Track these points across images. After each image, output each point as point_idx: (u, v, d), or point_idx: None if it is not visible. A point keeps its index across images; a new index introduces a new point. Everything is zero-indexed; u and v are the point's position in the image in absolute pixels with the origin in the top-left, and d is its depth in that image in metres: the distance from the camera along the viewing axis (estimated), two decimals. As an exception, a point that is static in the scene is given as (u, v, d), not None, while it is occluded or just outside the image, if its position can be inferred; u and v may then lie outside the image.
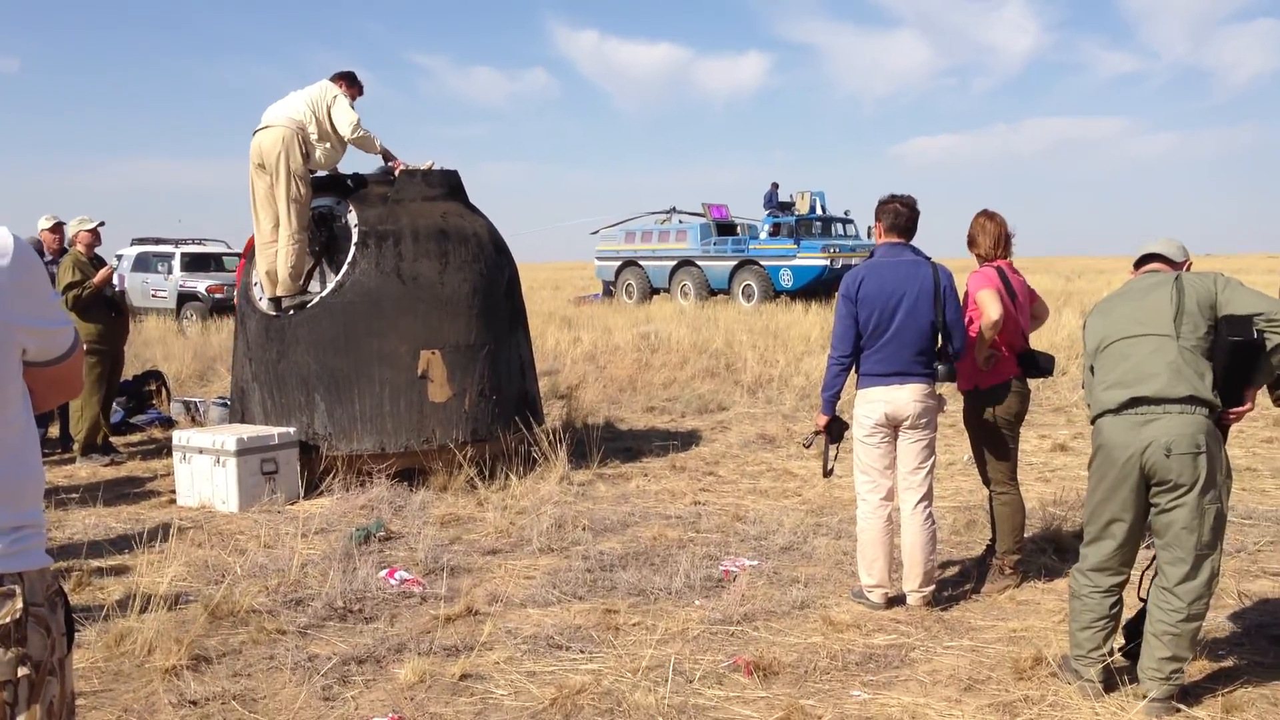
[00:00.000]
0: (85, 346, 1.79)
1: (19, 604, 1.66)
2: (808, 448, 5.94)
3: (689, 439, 9.72)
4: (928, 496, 5.18)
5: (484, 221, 8.42)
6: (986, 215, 5.55)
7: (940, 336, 5.12)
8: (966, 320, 5.34)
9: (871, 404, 5.10)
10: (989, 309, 5.18)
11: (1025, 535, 5.50)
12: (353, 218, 7.86)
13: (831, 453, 5.48)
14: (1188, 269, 4.14)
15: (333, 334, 7.55)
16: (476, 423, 7.73)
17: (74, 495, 7.43)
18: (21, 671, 1.65)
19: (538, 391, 8.83)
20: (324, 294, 7.67)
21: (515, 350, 8.28)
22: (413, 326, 7.59)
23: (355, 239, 7.74)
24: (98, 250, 8.85)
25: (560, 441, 7.95)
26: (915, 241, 5.24)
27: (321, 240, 8.02)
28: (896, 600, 5.17)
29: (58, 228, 9.00)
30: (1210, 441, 3.76)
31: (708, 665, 4.40)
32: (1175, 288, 3.90)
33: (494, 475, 7.56)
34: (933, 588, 5.17)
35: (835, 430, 5.39)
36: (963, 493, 7.51)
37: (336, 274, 7.74)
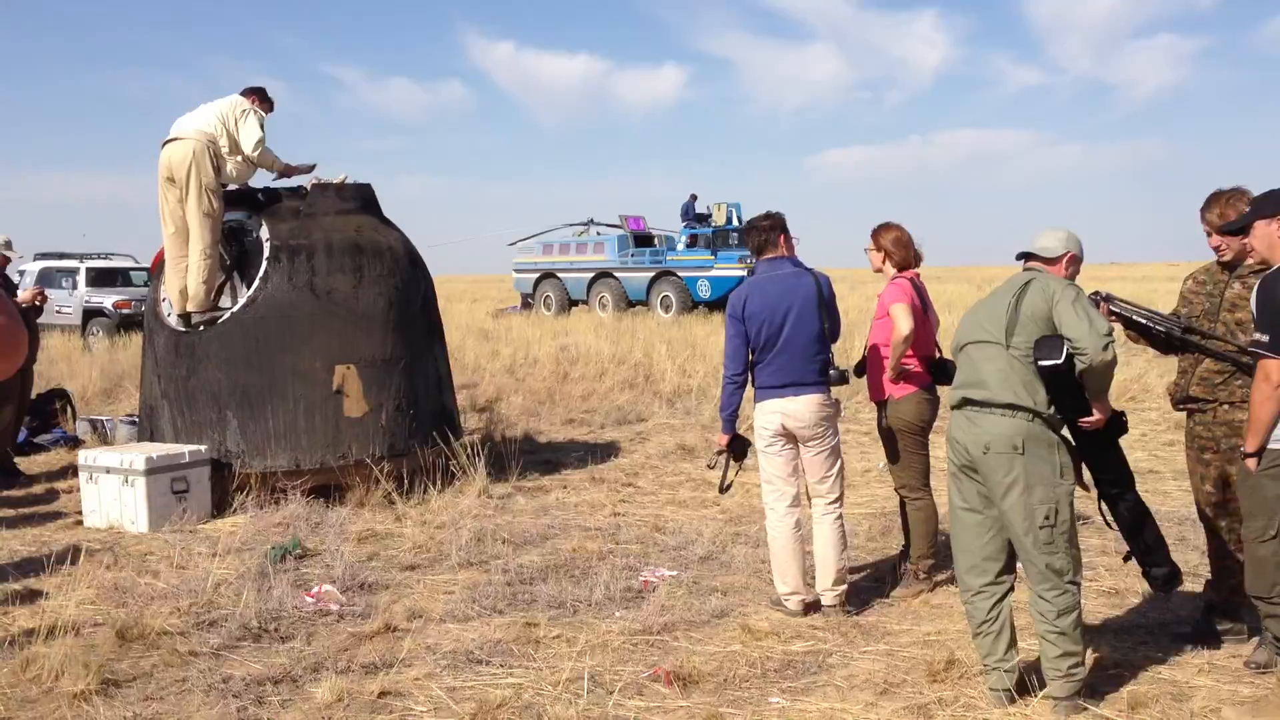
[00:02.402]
0: None
1: None
2: (711, 468, 5.95)
3: (608, 450, 9.74)
4: (837, 501, 5.29)
5: (399, 235, 8.37)
6: (895, 227, 5.64)
7: (827, 345, 5.27)
8: (880, 332, 5.49)
9: (769, 415, 5.19)
10: (900, 323, 5.29)
11: (938, 541, 5.62)
12: (264, 232, 7.76)
13: (732, 470, 5.55)
14: (1069, 261, 4.23)
15: (245, 350, 7.43)
16: (393, 437, 7.66)
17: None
18: None
19: (455, 405, 8.78)
20: (235, 309, 7.55)
21: (432, 364, 8.23)
22: (327, 341, 7.50)
23: (267, 253, 7.64)
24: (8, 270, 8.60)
25: (479, 455, 7.92)
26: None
27: (233, 255, 7.89)
28: (813, 606, 5.25)
29: None
30: (1033, 444, 3.92)
31: (628, 676, 4.42)
32: (1016, 296, 4.04)
33: (412, 490, 7.50)
34: (844, 587, 5.26)
35: (738, 448, 5.48)
36: (878, 499, 7.64)
37: (248, 289, 7.62)
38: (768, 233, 5.31)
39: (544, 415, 11.88)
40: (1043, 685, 4.04)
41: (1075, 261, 4.24)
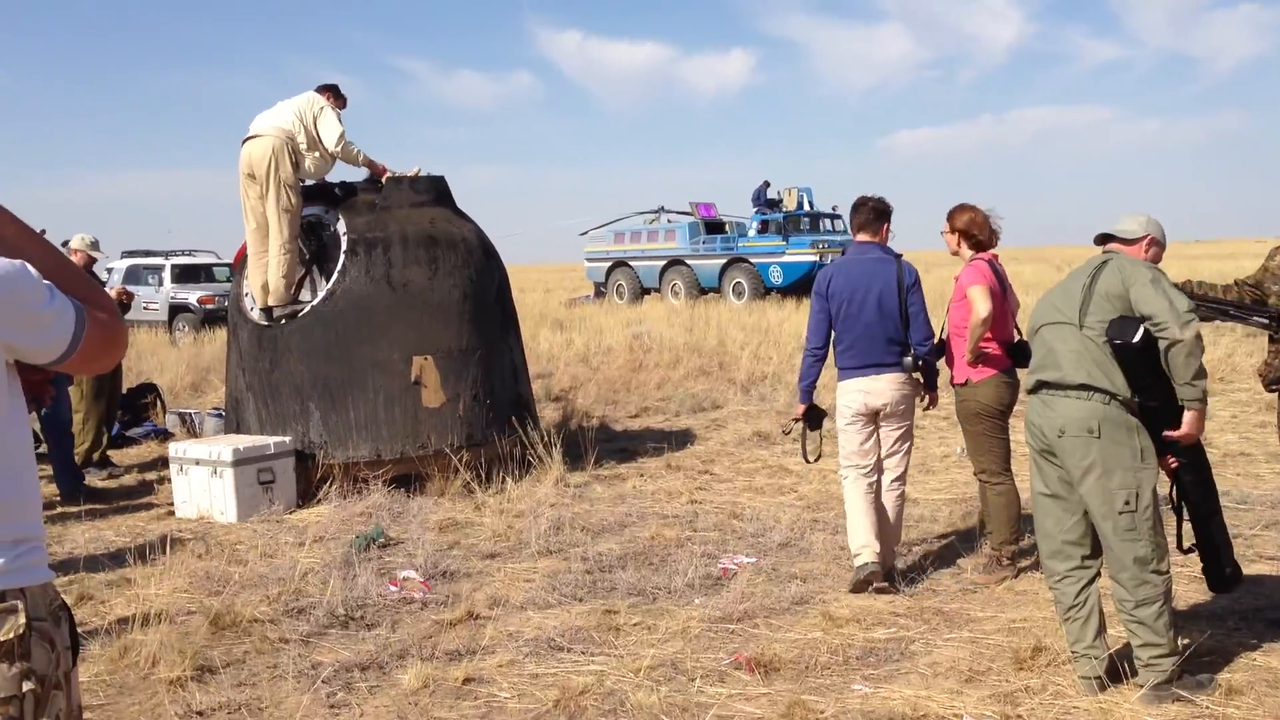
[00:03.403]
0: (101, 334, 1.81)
1: (21, 619, 1.67)
2: (787, 434, 6.38)
3: (684, 438, 9.75)
4: (901, 478, 5.55)
5: (472, 226, 8.44)
6: (971, 209, 5.58)
7: (905, 329, 5.41)
8: (958, 315, 5.47)
9: (850, 395, 5.42)
10: (978, 306, 5.24)
11: (1021, 526, 5.54)
12: (341, 226, 7.87)
13: (812, 439, 5.77)
14: (1149, 244, 4.13)
15: (325, 342, 7.56)
16: (471, 427, 7.74)
17: (73, 509, 7.43)
18: (26, 686, 1.66)
19: (531, 395, 8.85)
20: (315, 303, 7.68)
21: (508, 354, 8.30)
22: (404, 333, 7.60)
23: (345, 247, 7.75)
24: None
25: (555, 444, 7.97)
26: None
27: (311, 249, 8.03)
28: (886, 573, 5.33)
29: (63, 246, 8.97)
30: (1109, 427, 3.83)
31: (709, 663, 4.42)
32: (1091, 276, 3.95)
33: (490, 479, 7.58)
34: (891, 562, 5.50)
35: (813, 418, 5.70)
36: (958, 485, 7.54)
37: (327, 282, 7.75)
38: (871, 216, 5.53)
39: (619, 403, 11.93)
40: (1135, 672, 3.96)
41: (1155, 244, 4.14)
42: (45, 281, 1.75)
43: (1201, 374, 3.78)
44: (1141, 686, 3.88)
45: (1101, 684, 3.96)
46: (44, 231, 8.60)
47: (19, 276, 1.69)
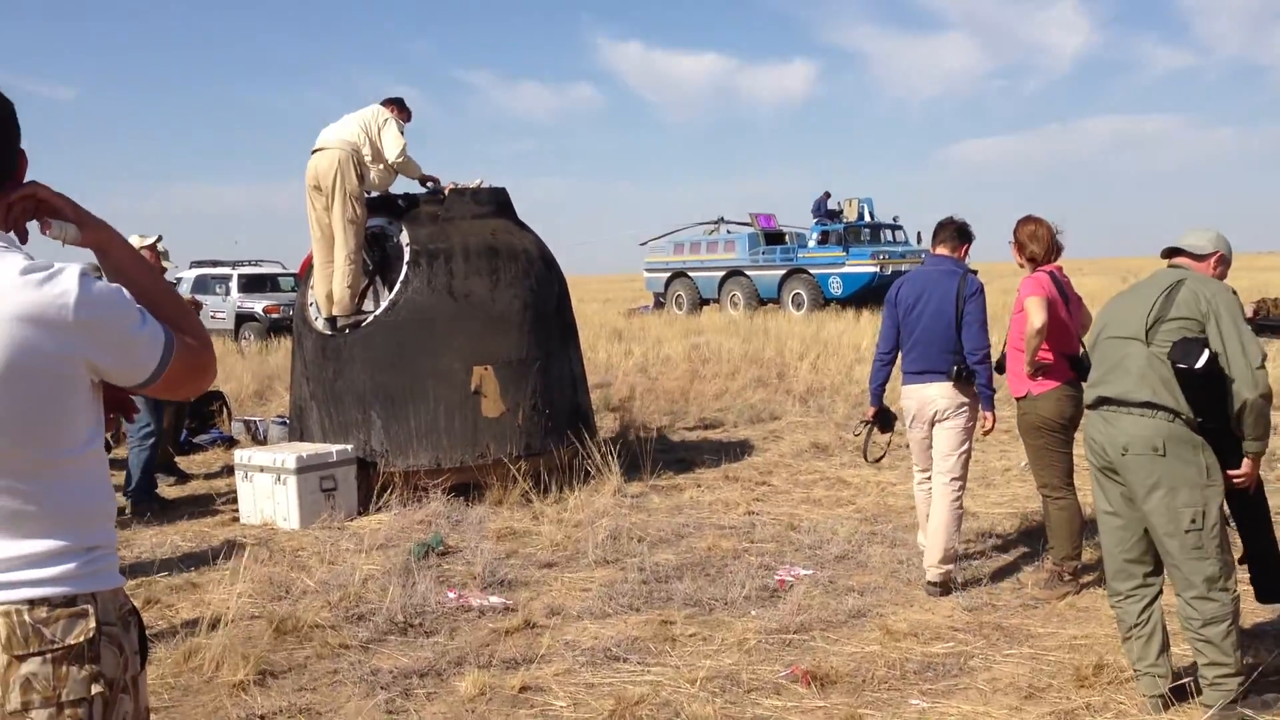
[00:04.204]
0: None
1: (92, 623, 1.72)
2: (856, 436, 6.84)
3: (742, 449, 9.73)
4: (956, 481, 5.57)
5: (533, 237, 8.52)
6: (1034, 221, 5.56)
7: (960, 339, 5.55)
8: (1017, 328, 5.45)
9: (907, 400, 5.71)
10: (1034, 317, 5.21)
11: (1083, 541, 5.47)
12: (404, 237, 7.98)
13: (880, 439, 6.21)
14: (1217, 261, 4.07)
15: (387, 352, 7.67)
16: (530, 437, 7.80)
17: (142, 515, 7.59)
18: (95, 689, 1.71)
19: (590, 405, 8.89)
20: (378, 312, 7.79)
21: (567, 364, 8.35)
22: (465, 343, 7.68)
23: (407, 258, 7.86)
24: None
25: (613, 454, 8.00)
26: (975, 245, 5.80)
27: (375, 260, 8.14)
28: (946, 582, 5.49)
29: None
30: (1175, 445, 3.76)
31: (765, 675, 4.42)
32: (1167, 292, 3.87)
33: (548, 489, 7.63)
34: (950, 567, 5.51)
35: (883, 420, 6.03)
36: (1019, 498, 7.45)
37: (390, 293, 7.85)
38: (953, 234, 5.73)
39: (677, 414, 11.94)
40: (1200, 691, 3.89)
41: (1223, 262, 4.08)
42: (138, 306, 1.80)
43: (1267, 431, 3.79)
44: (1208, 707, 3.81)
45: (1166, 702, 3.90)
46: (159, 239, 8.73)
47: (114, 300, 1.75)
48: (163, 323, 1.84)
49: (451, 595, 5.51)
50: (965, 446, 5.56)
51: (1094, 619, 5.00)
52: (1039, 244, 5.49)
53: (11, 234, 1.85)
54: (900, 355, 5.74)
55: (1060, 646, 4.66)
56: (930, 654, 4.62)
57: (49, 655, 1.67)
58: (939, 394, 5.50)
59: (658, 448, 9.28)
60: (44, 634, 1.67)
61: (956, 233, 5.71)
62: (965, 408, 5.51)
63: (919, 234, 27.37)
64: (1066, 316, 5.39)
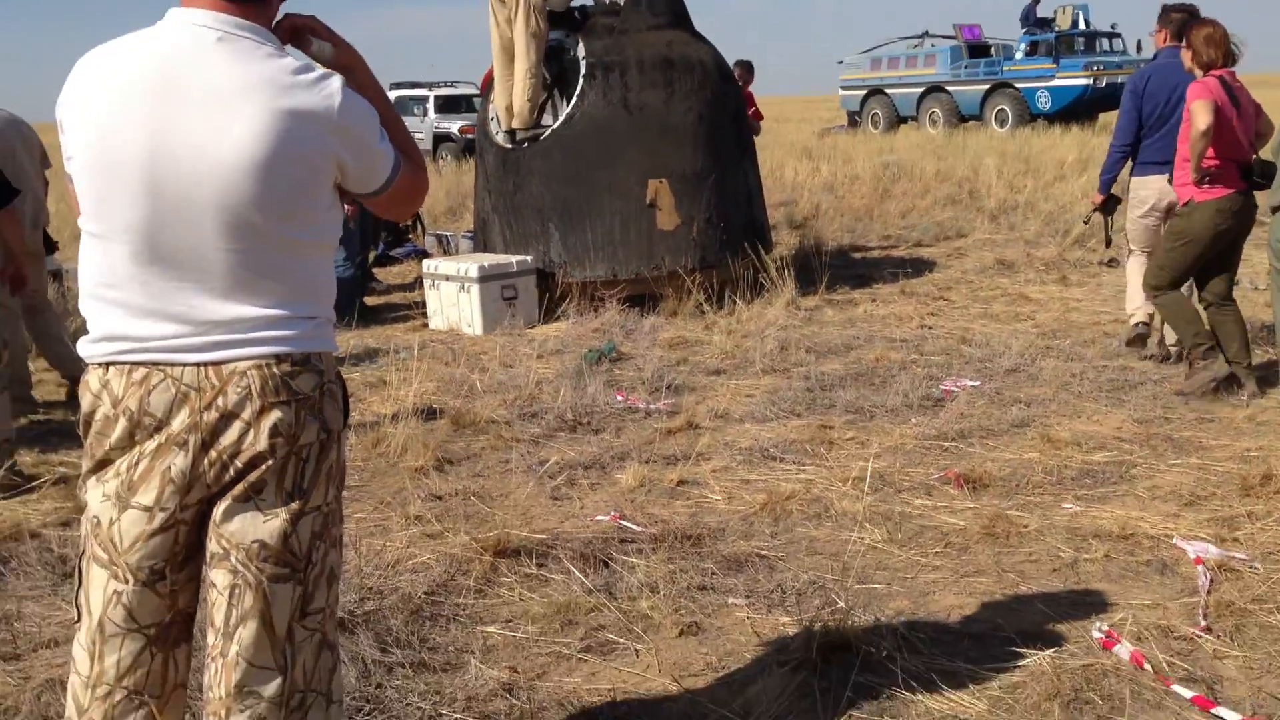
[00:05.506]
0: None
1: (321, 379, 2.00)
2: (1086, 223, 7.57)
3: (922, 266, 9.55)
4: None
5: (709, 49, 8.38)
6: (1207, 24, 5.32)
7: None
8: (1182, 135, 5.27)
9: (1149, 189, 5.90)
10: (1198, 119, 4.99)
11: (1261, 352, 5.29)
12: (581, 50, 7.99)
13: (1110, 222, 6.47)
14: None
15: (564, 165, 7.80)
16: (704, 250, 7.86)
17: (341, 318, 8.09)
18: (321, 435, 1.99)
19: (766, 219, 8.85)
20: (555, 126, 7.90)
21: (742, 178, 8.31)
22: (640, 156, 7.73)
23: (584, 71, 7.88)
24: None
25: (789, 268, 8.00)
26: None
27: (553, 73, 8.20)
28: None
29: None
30: None
31: (918, 477, 4.47)
32: None
33: (721, 301, 7.72)
34: (1149, 313, 6.01)
35: (1109, 206, 6.32)
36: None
37: (567, 106, 7.93)
38: (1182, 24, 5.66)
39: (859, 231, 11.75)
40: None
41: None
42: (379, 124, 2.04)
43: None
44: None
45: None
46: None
47: (368, 111, 2.00)
48: (393, 145, 2.07)
49: (620, 398, 5.73)
50: None
51: (1272, 431, 4.81)
52: (1211, 46, 5.18)
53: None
54: (1139, 145, 5.89)
55: (1231, 458, 4.52)
56: (1091, 462, 4.56)
57: (293, 403, 1.93)
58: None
59: (836, 264, 9.19)
60: (291, 385, 1.93)
61: (1183, 23, 5.65)
62: None
63: (1138, 42, 25.35)
64: (1237, 122, 5.10)
